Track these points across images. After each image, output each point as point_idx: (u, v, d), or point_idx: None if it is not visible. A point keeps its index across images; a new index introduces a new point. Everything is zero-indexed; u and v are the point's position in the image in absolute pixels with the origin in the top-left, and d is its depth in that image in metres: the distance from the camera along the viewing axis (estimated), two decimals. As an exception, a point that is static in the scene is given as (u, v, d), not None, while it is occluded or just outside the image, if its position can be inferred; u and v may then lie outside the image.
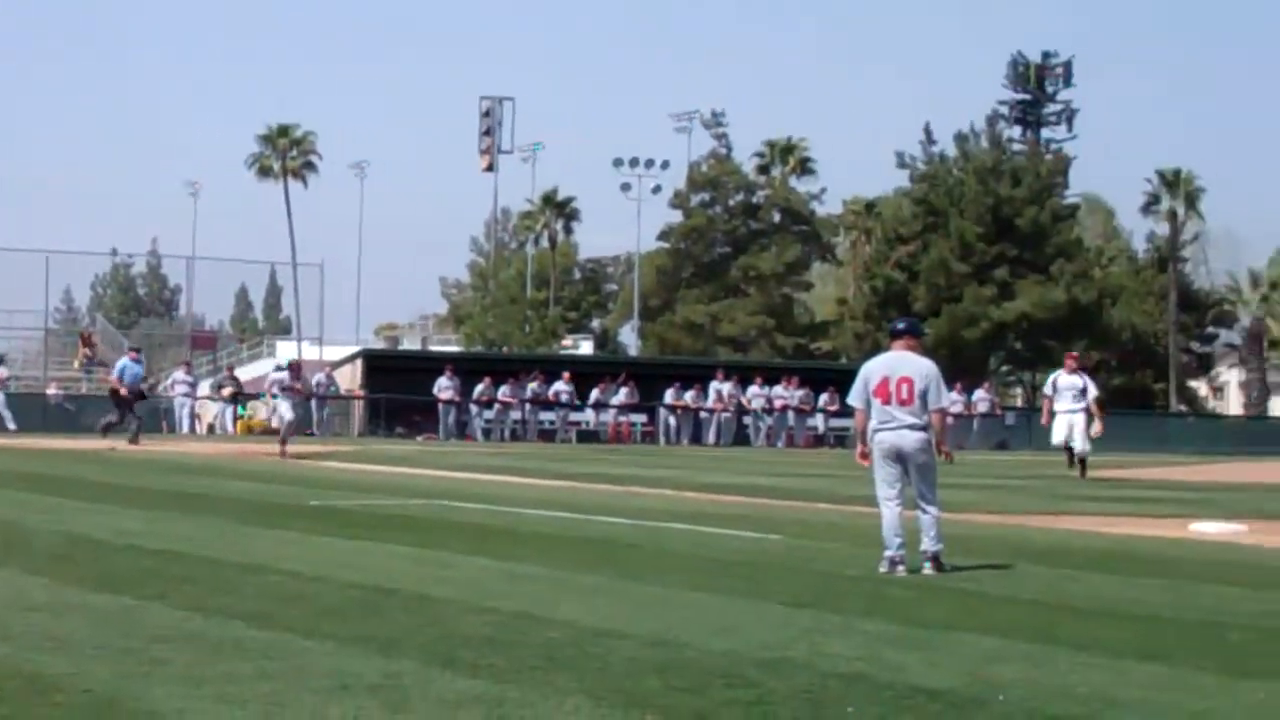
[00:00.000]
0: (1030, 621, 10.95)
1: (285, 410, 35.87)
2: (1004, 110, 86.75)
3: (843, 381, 60.30)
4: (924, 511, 14.12)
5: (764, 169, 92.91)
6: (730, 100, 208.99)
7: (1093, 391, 30.04)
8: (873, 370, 14.37)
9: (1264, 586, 13.19)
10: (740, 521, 18.89)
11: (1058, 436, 30.16)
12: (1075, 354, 32.19)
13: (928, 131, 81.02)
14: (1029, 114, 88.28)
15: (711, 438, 50.49)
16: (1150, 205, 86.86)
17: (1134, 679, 8.74)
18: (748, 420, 51.53)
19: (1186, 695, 8.27)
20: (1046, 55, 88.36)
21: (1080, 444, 29.85)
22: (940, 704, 7.95)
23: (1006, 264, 75.88)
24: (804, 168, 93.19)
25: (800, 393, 51.56)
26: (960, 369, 67.53)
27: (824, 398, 51.55)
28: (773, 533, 17.55)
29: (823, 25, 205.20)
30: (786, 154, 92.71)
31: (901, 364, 14.30)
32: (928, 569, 13.97)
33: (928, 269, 75.89)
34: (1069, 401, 29.84)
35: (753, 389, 51.26)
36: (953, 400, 54.78)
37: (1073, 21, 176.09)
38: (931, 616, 11.08)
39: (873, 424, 14.20)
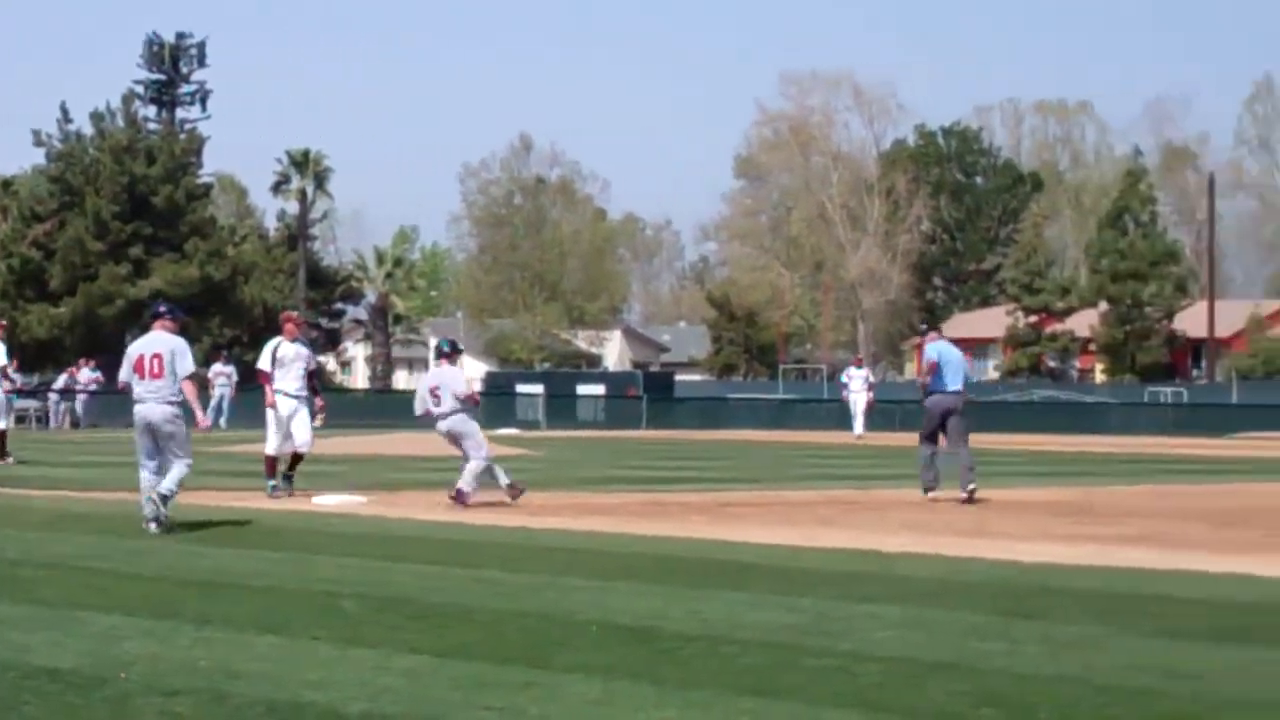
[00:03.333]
0: (155, 597, 11.09)
1: None
2: (140, 90, 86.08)
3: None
4: (174, 461, 15.77)
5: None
6: None
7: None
8: (133, 349, 16.15)
9: (378, 557, 13.73)
10: None
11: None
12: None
13: (64, 110, 79.25)
14: (164, 94, 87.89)
15: None
16: (281, 185, 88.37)
17: (255, 651, 8.99)
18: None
19: (303, 665, 8.56)
20: (181, 36, 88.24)
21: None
22: (62, 684, 7.99)
23: (142, 242, 75.24)
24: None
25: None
26: (97, 347, 66.54)
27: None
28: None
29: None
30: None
31: (156, 342, 15.97)
32: (163, 510, 15.55)
33: (64, 248, 74.25)
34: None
35: None
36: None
37: (206, 2, 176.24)
38: (57, 596, 11.06)
39: (135, 396, 15.81)
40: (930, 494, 21.55)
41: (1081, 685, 8.18)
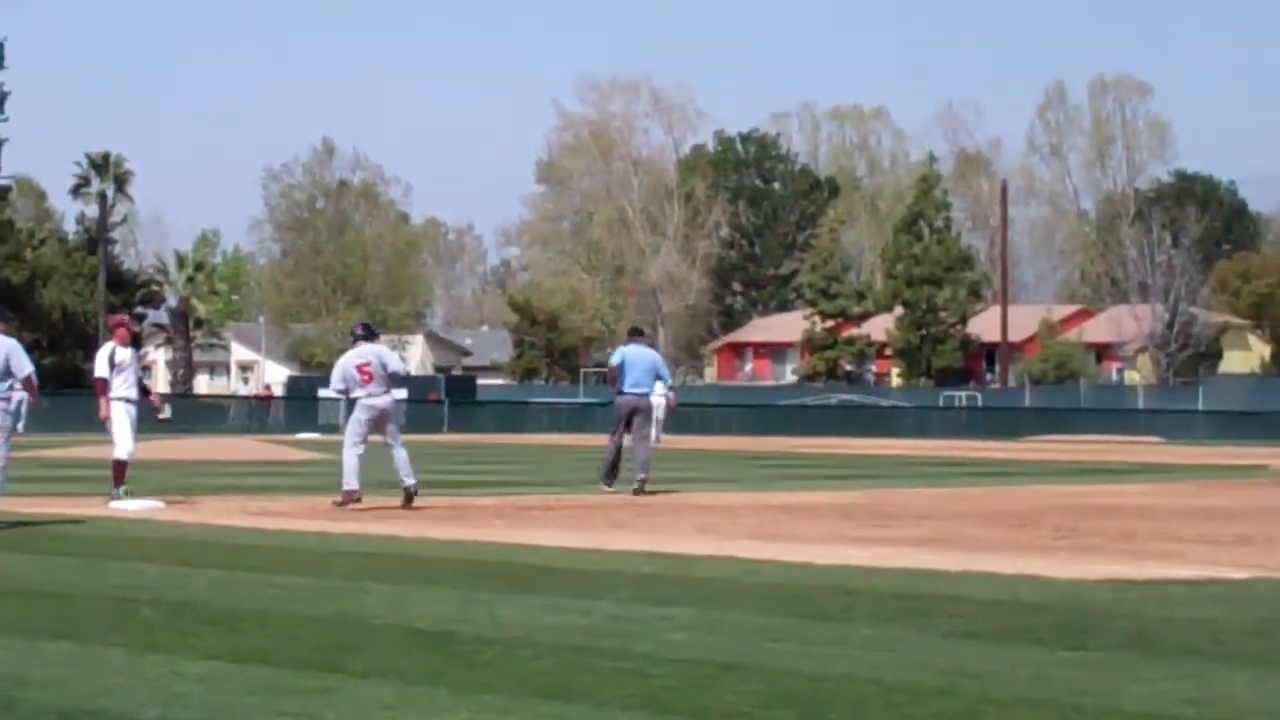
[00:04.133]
0: (-57, 607, 10.92)
1: None
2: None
3: None
4: None
5: None
6: None
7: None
8: None
9: (174, 562, 13.59)
10: None
11: None
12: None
13: None
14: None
15: None
16: (80, 188, 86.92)
17: (45, 658, 8.87)
18: None
19: (96, 671, 8.47)
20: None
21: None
22: None
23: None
24: None
25: None
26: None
27: None
28: None
29: None
30: None
31: None
32: None
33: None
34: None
35: None
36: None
37: (2, 3, 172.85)
38: None
39: None
40: (608, 489, 23.30)
41: (872, 685, 8.30)
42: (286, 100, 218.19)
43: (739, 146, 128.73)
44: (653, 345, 25.74)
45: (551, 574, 13.04)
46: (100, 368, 19.74)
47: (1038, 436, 60.90)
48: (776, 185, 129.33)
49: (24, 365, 17.09)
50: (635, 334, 25.77)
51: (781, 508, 21.08)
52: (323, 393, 67.25)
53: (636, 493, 22.94)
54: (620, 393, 23.85)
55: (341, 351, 21.07)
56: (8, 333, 17.21)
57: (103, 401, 19.72)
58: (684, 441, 45.41)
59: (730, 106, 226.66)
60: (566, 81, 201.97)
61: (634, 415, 23.71)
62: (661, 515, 19.58)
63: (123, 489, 19.76)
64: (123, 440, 19.79)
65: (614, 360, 24.34)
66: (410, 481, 19.85)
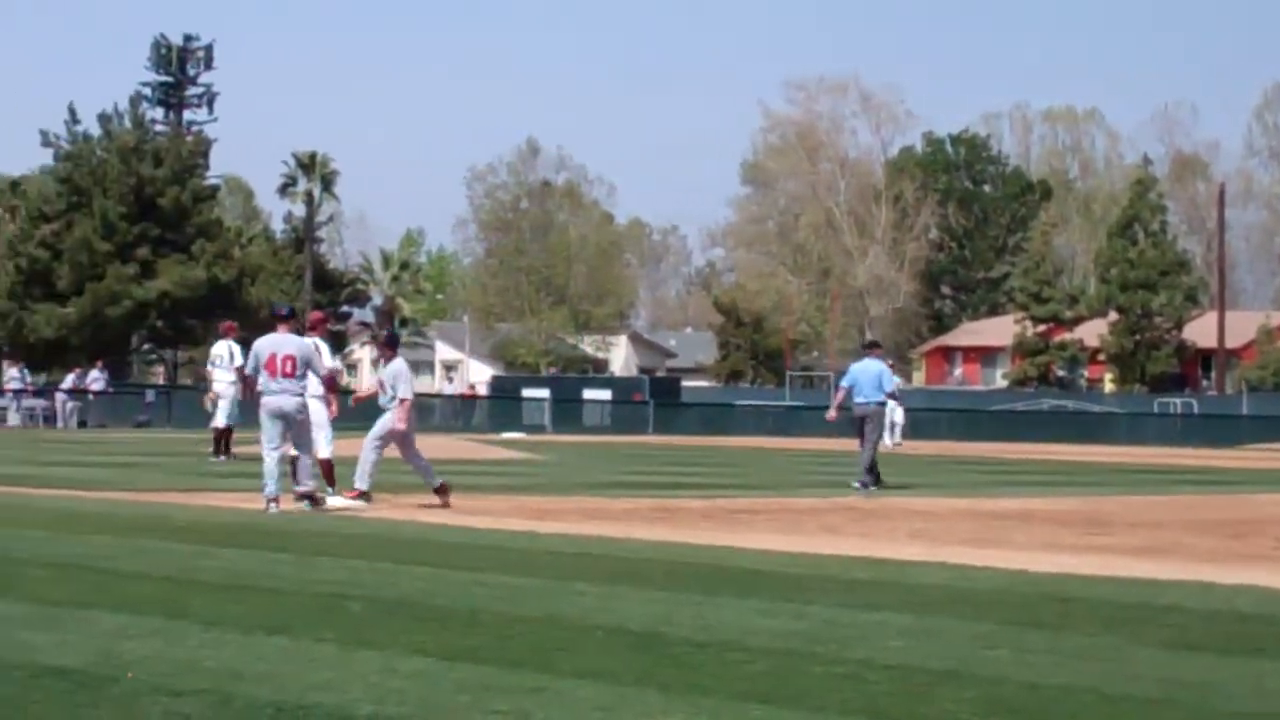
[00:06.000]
0: (162, 597, 11.05)
1: None
2: (147, 92, 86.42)
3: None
4: (301, 455, 18.21)
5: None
6: None
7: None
8: (263, 347, 18.16)
9: (384, 559, 13.69)
10: None
11: None
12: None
13: (72, 111, 79.29)
14: (171, 96, 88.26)
15: None
16: (288, 187, 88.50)
17: (260, 652, 8.97)
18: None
19: (310, 666, 8.54)
20: (188, 38, 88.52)
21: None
22: (69, 683, 7.96)
23: (149, 243, 75.33)
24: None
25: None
26: (103, 346, 66.69)
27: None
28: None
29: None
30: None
31: (284, 344, 18.14)
32: (305, 506, 18.12)
33: (71, 248, 74.23)
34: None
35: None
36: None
37: (213, 5, 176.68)
38: (63, 595, 11.02)
39: (261, 389, 18.06)
40: (859, 488, 25.13)
41: (1090, 694, 8.17)
42: (491, 100, 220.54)
43: (949, 148, 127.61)
44: (881, 357, 27.82)
45: (762, 577, 12.94)
46: (331, 362, 19.89)
47: (1256, 444, 59.56)
48: (987, 187, 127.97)
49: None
50: (868, 348, 28.25)
51: (994, 514, 20.80)
52: (526, 393, 67.84)
53: (861, 489, 24.93)
54: (854, 403, 26.26)
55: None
56: (297, 330, 19.04)
57: (335, 397, 20.05)
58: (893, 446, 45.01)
59: (940, 107, 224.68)
60: (773, 82, 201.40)
61: (863, 422, 26.01)
62: (873, 520, 19.41)
63: (331, 490, 19.81)
64: (329, 438, 19.89)
65: (844, 383, 26.90)
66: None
